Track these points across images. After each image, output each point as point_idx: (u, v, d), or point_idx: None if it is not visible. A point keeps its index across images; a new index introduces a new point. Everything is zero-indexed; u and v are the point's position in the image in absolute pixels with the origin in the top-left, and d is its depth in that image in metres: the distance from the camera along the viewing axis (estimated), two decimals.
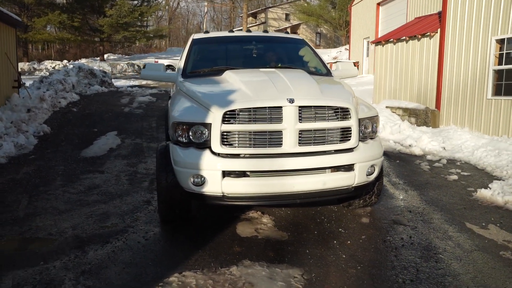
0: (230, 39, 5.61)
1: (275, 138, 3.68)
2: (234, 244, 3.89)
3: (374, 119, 4.19)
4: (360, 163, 3.90)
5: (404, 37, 11.60)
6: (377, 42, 12.95)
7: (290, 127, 3.65)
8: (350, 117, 3.84)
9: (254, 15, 64.99)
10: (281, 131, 3.66)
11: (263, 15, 62.71)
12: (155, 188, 5.67)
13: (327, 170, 3.85)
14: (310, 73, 4.87)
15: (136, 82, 21.84)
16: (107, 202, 5.13)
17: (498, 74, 8.76)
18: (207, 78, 4.62)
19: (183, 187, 3.84)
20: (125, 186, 5.82)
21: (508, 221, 4.52)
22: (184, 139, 3.79)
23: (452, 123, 9.84)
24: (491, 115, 8.78)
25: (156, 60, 33.33)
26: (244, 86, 3.97)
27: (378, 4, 23.08)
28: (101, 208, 4.91)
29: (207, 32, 5.72)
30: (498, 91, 8.75)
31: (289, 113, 3.64)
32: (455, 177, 6.27)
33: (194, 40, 5.41)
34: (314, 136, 3.76)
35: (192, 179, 3.71)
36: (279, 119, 3.65)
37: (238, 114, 3.63)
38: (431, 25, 11.18)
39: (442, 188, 5.77)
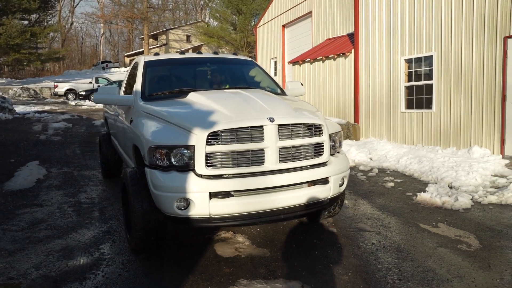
0: (183, 61, 5.60)
1: (257, 157, 3.76)
2: (221, 266, 3.87)
3: (339, 134, 4.50)
4: (334, 176, 4.14)
5: (320, 57, 12.44)
6: (294, 62, 13.70)
7: (271, 145, 3.77)
8: (322, 133, 4.08)
9: (155, 37, 64.28)
10: (263, 150, 3.76)
11: (164, 36, 62.29)
12: (109, 218, 5.39)
13: (304, 184, 4.03)
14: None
15: (38, 108, 20.26)
16: (62, 237, 4.74)
17: (409, 89, 9.83)
18: (174, 100, 4.57)
19: (166, 212, 3.74)
20: (73, 218, 5.43)
21: (452, 219, 5.10)
22: (164, 162, 3.71)
23: (371, 135, 10.74)
24: (406, 126, 9.79)
25: (55, 84, 31.30)
26: (220, 107, 4.00)
27: (283, 26, 24.36)
28: (58, 244, 4.54)
29: (157, 54, 5.65)
30: (410, 104, 9.80)
31: (270, 132, 3.76)
32: (391, 184, 6.88)
33: (146, 63, 5.32)
34: (292, 153, 3.93)
35: (177, 203, 3.64)
36: (260, 138, 3.75)
37: (220, 135, 3.66)
38: (344, 46, 12.17)
39: (385, 195, 6.30)
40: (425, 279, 3.54)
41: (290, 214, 4.01)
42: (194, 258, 4.06)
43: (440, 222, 4.98)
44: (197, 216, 3.67)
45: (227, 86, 5.38)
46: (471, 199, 5.78)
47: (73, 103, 25.94)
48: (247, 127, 3.71)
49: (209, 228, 4.65)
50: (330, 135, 4.23)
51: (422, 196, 5.88)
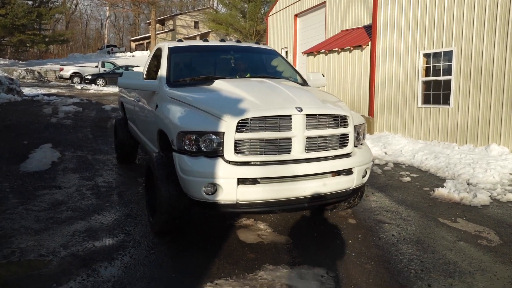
0: (207, 48, 5.73)
1: (284, 145, 3.91)
2: (245, 251, 4.03)
3: (363, 126, 4.64)
4: (358, 167, 4.30)
5: (336, 49, 12.52)
6: (309, 52, 13.78)
7: (299, 134, 3.91)
8: (348, 125, 4.23)
9: (162, 22, 64.25)
10: (290, 138, 3.91)
11: (171, 22, 62.26)
12: (128, 201, 5.57)
13: (328, 174, 4.18)
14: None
15: (45, 90, 20.44)
16: (85, 219, 4.92)
17: (426, 84, 9.92)
18: (200, 87, 4.71)
19: (193, 196, 3.90)
20: (93, 201, 5.61)
21: (470, 215, 5.24)
22: (193, 148, 3.86)
23: (385, 129, 10.86)
24: (421, 122, 9.89)
25: (61, 67, 31.41)
26: (248, 95, 4.14)
27: (296, 15, 24.36)
28: (82, 225, 4.71)
29: (180, 40, 5.79)
30: (426, 100, 9.89)
31: (298, 121, 3.90)
32: (408, 179, 7.03)
33: (171, 49, 5.44)
34: (318, 143, 4.07)
35: (204, 188, 3.79)
36: (288, 127, 3.89)
37: (249, 123, 3.80)
38: (361, 38, 12.23)
39: (402, 189, 6.45)
40: (447, 270, 3.69)
41: (314, 203, 4.18)
42: (218, 243, 4.22)
43: (459, 217, 5.12)
44: (224, 201, 3.83)
45: (248, 75, 5.52)
46: (490, 196, 5.91)
47: (79, 87, 26.11)
48: (276, 116, 3.85)
49: (234, 214, 4.81)
50: (354, 127, 4.36)
51: (440, 191, 6.02)
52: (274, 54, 6.03)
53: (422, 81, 9.92)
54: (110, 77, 28.00)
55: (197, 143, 3.84)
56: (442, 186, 6.20)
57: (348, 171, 4.23)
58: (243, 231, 4.55)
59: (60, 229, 4.59)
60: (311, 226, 4.76)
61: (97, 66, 32.11)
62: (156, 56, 5.80)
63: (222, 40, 5.95)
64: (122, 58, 45.78)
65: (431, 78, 9.72)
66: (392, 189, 6.43)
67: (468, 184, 6.53)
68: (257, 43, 6.22)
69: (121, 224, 4.76)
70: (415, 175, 7.32)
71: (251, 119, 3.79)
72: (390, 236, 4.50)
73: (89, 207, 5.33)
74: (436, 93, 9.60)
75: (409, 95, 10.23)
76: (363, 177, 4.46)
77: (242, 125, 3.78)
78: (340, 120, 4.19)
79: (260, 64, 5.87)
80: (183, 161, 3.88)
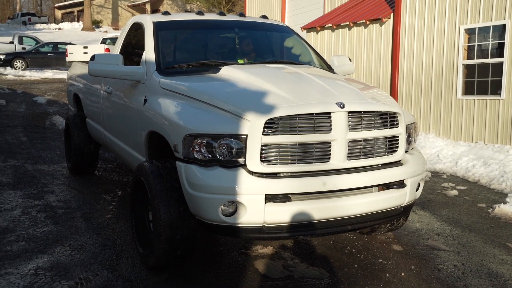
0: (206, 24, 5.86)
1: (321, 151, 4.06)
2: None
3: (413, 126, 4.86)
4: (411, 178, 4.49)
5: (347, 23, 12.81)
6: (310, 28, 14.04)
7: (340, 137, 4.05)
8: (398, 124, 4.42)
9: None
10: (330, 143, 4.05)
11: None
12: (99, 227, 5.63)
13: (374, 188, 4.38)
14: None
15: None
16: (45, 251, 4.93)
17: (468, 69, 10.28)
18: (204, 76, 4.84)
19: (206, 219, 4.00)
20: (51, 226, 5.63)
21: None
22: (205, 156, 3.96)
23: None
24: (462, 118, 10.25)
25: None
26: (273, 86, 4.27)
27: None
28: (45, 260, 4.73)
29: (167, 13, 5.88)
30: (469, 89, 10.25)
31: (340, 120, 4.05)
32: (454, 192, 7.32)
33: (157, 25, 5.53)
34: (362, 148, 4.25)
35: (222, 208, 3.91)
36: (326, 128, 4.03)
37: (278, 123, 3.92)
38: (380, 8, 12.56)
39: (450, 205, 6.72)
40: None
41: (358, 225, 4.36)
42: (234, 280, 4.35)
43: None
44: (248, 225, 3.95)
45: (253, 59, 5.69)
46: None
47: None
48: (312, 113, 3.99)
49: (259, 239, 4.95)
50: (406, 127, 4.56)
51: (502, 209, 6.31)
52: (288, 32, 6.21)
53: (463, 64, 10.28)
54: (33, 57, 27.66)
55: (210, 149, 3.95)
56: (504, 202, 6.50)
57: (400, 184, 4.42)
58: (261, 262, 4.68)
59: (16, 267, 4.59)
60: (347, 254, 4.93)
61: (12, 42, 31.64)
62: (134, 34, 5.89)
63: (222, 14, 6.09)
64: (44, 32, 45.24)
65: (475, 61, 10.09)
66: (438, 206, 6.69)
67: None
68: (264, 17, 6.38)
69: (97, 256, 4.82)
70: (462, 188, 7.62)
71: (281, 118, 3.92)
72: (452, 267, 4.72)
73: (47, 236, 5.36)
74: (482, 80, 9.97)
75: (445, 83, 10.58)
76: (416, 191, 4.67)
77: (269, 126, 3.90)
78: (388, 119, 4.38)
79: (271, 45, 6.07)
80: (192, 173, 3.97)
